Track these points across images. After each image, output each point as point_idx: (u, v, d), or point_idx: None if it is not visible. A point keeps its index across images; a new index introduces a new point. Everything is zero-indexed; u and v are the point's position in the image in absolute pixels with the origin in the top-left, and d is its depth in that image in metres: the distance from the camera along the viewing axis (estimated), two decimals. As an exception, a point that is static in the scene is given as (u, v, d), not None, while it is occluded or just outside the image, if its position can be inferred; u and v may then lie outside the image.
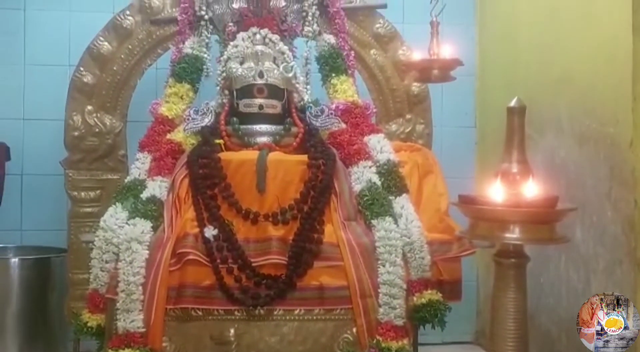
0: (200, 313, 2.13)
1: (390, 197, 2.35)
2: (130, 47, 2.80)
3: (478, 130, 3.44)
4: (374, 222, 2.25)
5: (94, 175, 2.81)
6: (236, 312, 2.13)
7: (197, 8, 2.73)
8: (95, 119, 2.79)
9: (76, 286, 2.70)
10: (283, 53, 2.60)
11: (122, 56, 2.80)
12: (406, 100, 2.89)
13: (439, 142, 3.00)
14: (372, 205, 2.30)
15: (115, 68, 2.80)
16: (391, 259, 2.16)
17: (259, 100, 2.50)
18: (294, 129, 2.52)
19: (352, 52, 2.80)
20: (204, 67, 2.74)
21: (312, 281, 2.16)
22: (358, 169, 2.42)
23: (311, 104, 2.61)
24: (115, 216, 2.27)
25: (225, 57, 2.61)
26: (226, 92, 2.59)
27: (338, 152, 2.46)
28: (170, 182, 2.37)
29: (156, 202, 2.30)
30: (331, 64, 2.73)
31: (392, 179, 2.40)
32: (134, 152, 2.61)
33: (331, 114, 2.58)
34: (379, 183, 2.37)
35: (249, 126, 2.49)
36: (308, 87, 2.72)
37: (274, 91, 2.52)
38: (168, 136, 2.54)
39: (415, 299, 2.19)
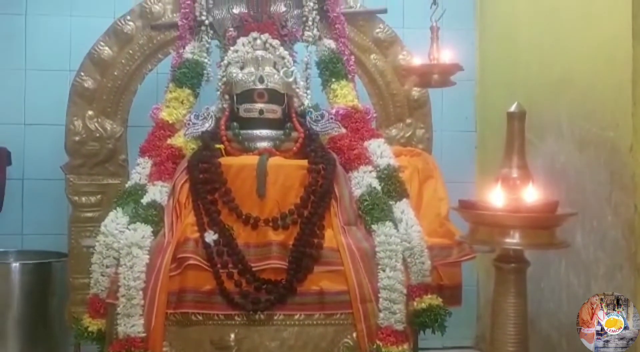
0: (200, 318, 2.13)
1: (391, 202, 2.35)
2: (131, 52, 2.81)
3: (478, 134, 3.45)
4: (374, 227, 2.25)
5: (95, 180, 2.82)
6: (236, 317, 2.13)
7: (197, 13, 2.74)
8: (96, 124, 2.80)
9: (77, 291, 2.70)
10: (283, 58, 2.61)
11: (123, 61, 2.80)
12: (406, 105, 2.90)
13: (439, 147, 3.01)
14: (372, 210, 2.30)
15: (116, 73, 2.80)
16: (391, 263, 2.16)
17: (259, 105, 2.50)
18: (294, 134, 2.53)
19: (352, 57, 2.80)
20: (205, 72, 2.74)
21: (313, 286, 2.16)
22: (358, 173, 2.43)
23: (311, 109, 2.61)
24: (115, 220, 2.27)
25: (225, 62, 2.62)
26: (226, 97, 2.59)
27: (338, 157, 2.46)
28: (171, 187, 2.37)
29: (157, 207, 2.30)
30: (331, 69, 2.74)
31: (392, 183, 2.40)
32: (134, 157, 2.61)
33: (331, 118, 2.58)
34: (379, 188, 2.38)
35: (249, 131, 2.50)
36: (308, 92, 2.72)
37: (274, 96, 2.52)
38: (168, 141, 2.54)
39: (415, 303, 2.19)
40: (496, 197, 1.80)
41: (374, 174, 2.43)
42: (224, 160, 2.37)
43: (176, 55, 2.76)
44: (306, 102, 2.65)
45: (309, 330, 2.14)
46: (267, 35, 2.64)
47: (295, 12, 2.80)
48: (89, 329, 2.22)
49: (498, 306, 1.84)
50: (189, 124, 2.55)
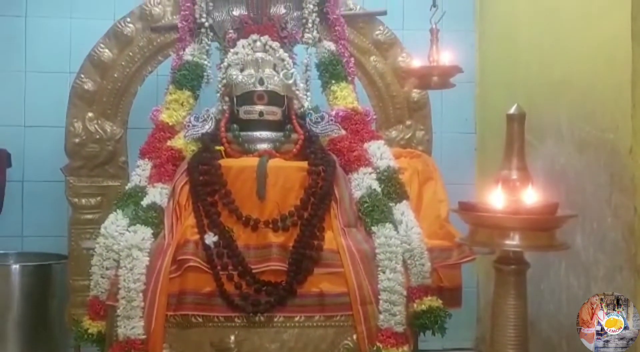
0: (200, 320, 2.13)
1: (391, 204, 2.35)
2: (130, 54, 2.81)
3: (478, 136, 3.45)
4: (374, 228, 2.26)
5: (95, 182, 2.82)
6: (236, 319, 2.13)
7: (197, 15, 2.74)
8: (96, 126, 2.80)
9: (77, 293, 2.70)
10: (283, 60, 2.61)
11: (123, 63, 2.81)
12: (406, 106, 2.90)
13: (438, 149, 3.01)
14: (372, 211, 2.30)
15: (115, 75, 2.80)
16: (391, 265, 2.17)
17: (259, 107, 2.50)
18: (294, 136, 2.53)
19: (352, 59, 2.81)
20: (205, 74, 2.75)
21: (313, 288, 2.16)
22: (358, 175, 2.43)
23: (311, 111, 2.61)
24: (115, 222, 2.27)
25: (225, 64, 2.62)
26: (226, 98, 2.60)
27: (338, 159, 2.46)
28: (171, 189, 2.37)
29: (157, 209, 2.30)
30: (331, 71, 2.74)
31: (392, 185, 2.41)
32: (134, 159, 2.62)
33: (331, 120, 2.58)
34: (379, 190, 2.38)
35: (249, 133, 2.50)
36: (308, 93, 2.72)
37: (274, 98, 2.53)
38: (168, 143, 2.54)
39: (415, 305, 2.19)
40: (496, 199, 1.80)
41: (373, 175, 2.43)
42: (224, 162, 2.37)
43: (176, 58, 2.76)
44: (306, 104, 2.65)
45: (309, 332, 2.14)
46: (267, 37, 2.64)
47: (295, 14, 2.80)
48: (89, 331, 2.22)
49: (498, 308, 1.84)
50: (188, 125, 2.55)
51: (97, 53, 2.80)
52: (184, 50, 2.74)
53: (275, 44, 2.63)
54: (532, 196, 1.81)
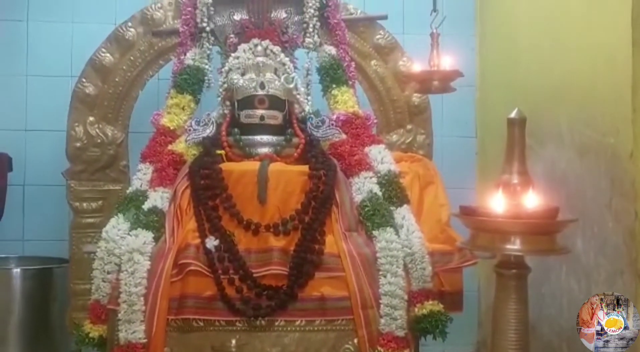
0: (201, 324, 2.13)
1: (391, 208, 2.36)
2: (132, 58, 2.82)
3: (478, 140, 3.45)
4: (375, 232, 2.26)
5: (96, 186, 2.82)
6: (237, 323, 2.14)
7: (198, 20, 2.75)
8: (97, 130, 2.80)
9: (78, 297, 2.70)
10: (284, 64, 2.61)
11: (124, 67, 2.81)
12: (407, 110, 2.90)
13: (439, 153, 3.01)
14: (373, 216, 2.30)
15: (117, 79, 2.81)
16: (392, 269, 2.17)
17: (260, 111, 2.51)
18: (295, 140, 2.53)
19: (353, 63, 2.81)
20: (206, 78, 2.75)
21: (313, 292, 2.17)
22: (359, 179, 2.43)
23: (312, 115, 2.62)
24: (117, 226, 2.28)
25: (226, 68, 2.63)
26: (227, 103, 2.60)
27: (339, 163, 2.46)
28: (172, 193, 2.37)
29: (158, 213, 2.31)
30: (332, 75, 2.75)
31: (393, 189, 2.41)
32: (135, 163, 2.62)
33: (332, 124, 2.59)
34: (379, 194, 2.38)
35: (250, 137, 2.50)
36: (309, 98, 2.73)
37: (275, 102, 2.53)
38: (170, 147, 2.54)
39: (416, 309, 2.19)
40: (497, 203, 1.80)
41: (374, 179, 2.43)
42: (225, 166, 2.38)
43: (177, 62, 2.76)
44: (307, 108, 2.66)
45: (310, 336, 2.14)
46: (268, 41, 2.64)
47: (296, 18, 2.81)
48: (90, 335, 2.23)
49: (499, 312, 1.84)
50: (190, 130, 2.56)
51: (98, 57, 2.80)
52: (185, 54, 2.75)
53: (276, 49, 2.64)
54: (532, 200, 1.81)
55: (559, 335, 2.53)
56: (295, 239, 2.22)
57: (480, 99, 3.43)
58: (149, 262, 2.16)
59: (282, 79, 2.56)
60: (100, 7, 3.23)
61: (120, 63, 2.81)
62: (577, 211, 2.27)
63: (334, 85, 2.73)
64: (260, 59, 2.59)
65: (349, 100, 2.71)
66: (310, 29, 2.78)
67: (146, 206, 2.33)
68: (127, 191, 2.49)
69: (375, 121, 2.76)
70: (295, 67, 2.71)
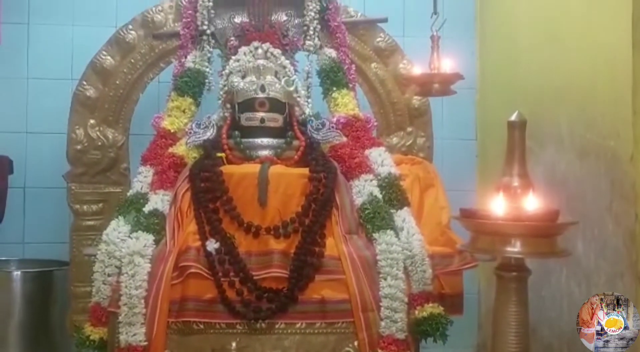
0: (202, 326, 2.13)
1: (392, 211, 2.36)
2: (132, 61, 2.82)
3: (479, 143, 3.45)
4: (375, 235, 2.26)
5: (97, 188, 2.82)
6: (238, 326, 2.14)
7: (199, 23, 2.75)
8: (98, 133, 2.81)
9: (78, 299, 2.70)
10: (284, 67, 2.61)
11: (125, 70, 2.82)
12: (407, 113, 2.91)
13: (439, 155, 3.01)
14: (374, 218, 2.30)
15: (117, 82, 2.81)
16: (393, 272, 2.17)
17: (261, 114, 2.51)
18: (295, 143, 2.53)
19: (353, 66, 2.81)
20: (206, 81, 2.75)
21: (314, 295, 2.16)
22: (359, 182, 2.43)
23: (312, 118, 2.62)
24: (117, 229, 2.28)
25: (227, 71, 2.63)
26: (228, 105, 2.60)
27: (339, 166, 2.46)
28: (173, 196, 2.38)
29: (158, 215, 2.31)
30: (332, 78, 2.75)
31: (394, 192, 2.41)
32: (136, 165, 2.62)
33: (332, 127, 2.59)
34: (380, 196, 2.38)
35: (251, 139, 2.50)
36: (309, 100, 2.73)
37: (275, 105, 2.53)
38: (170, 150, 2.54)
39: (416, 312, 2.19)
40: (497, 206, 1.80)
41: (375, 182, 2.43)
42: (226, 168, 2.38)
43: (178, 65, 2.76)
44: (307, 110, 2.66)
45: (311, 339, 2.14)
46: (268, 44, 2.64)
47: (296, 21, 2.81)
48: (91, 337, 2.23)
49: (499, 315, 1.84)
50: (190, 132, 2.56)
51: (99, 60, 2.81)
52: (185, 57, 2.75)
53: (277, 51, 2.64)
54: (533, 203, 1.81)
55: (560, 338, 2.53)
56: (296, 242, 2.22)
57: (481, 101, 3.43)
58: (149, 265, 2.16)
59: (282, 82, 2.56)
60: (101, 9, 3.23)
61: (120, 66, 2.82)
62: (577, 213, 2.27)
63: (334, 88, 2.74)
64: (260, 61, 2.59)
65: (349, 103, 2.71)
66: (311, 32, 2.78)
67: (147, 208, 2.34)
68: (128, 194, 2.49)
69: (375, 124, 2.76)
70: (295, 70, 2.71)
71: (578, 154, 2.41)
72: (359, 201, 2.38)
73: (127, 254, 2.17)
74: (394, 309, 2.13)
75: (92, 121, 2.80)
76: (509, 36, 3.10)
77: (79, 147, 2.79)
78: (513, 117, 1.88)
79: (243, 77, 2.57)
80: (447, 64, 2.49)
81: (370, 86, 2.90)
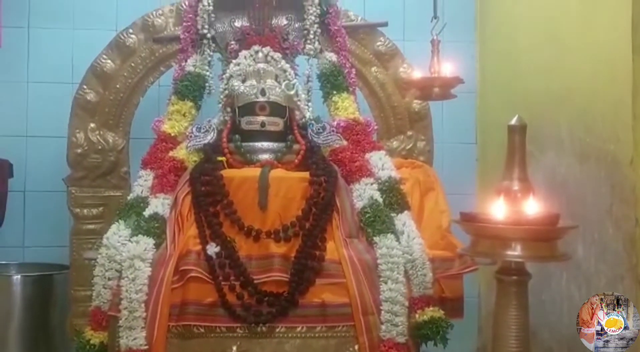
0: (202, 330, 2.13)
1: (392, 214, 2.36)
2: (133, 65, 2.83)
3: (479, 146, 3.45)
4: (375, 239, 2.26)
5: (97, 192, 2.82)
6: (238, 330, 2.13)
7: (199, 26, 2.75)
8: (98, 137, 2.81)
9: (78, 303, 2.70)
10: (285, 71, 2.62)
11: (125, 74, 2.82)
12: (407, 117, 2.91)
13: (439, 159, 3.01)
14: (374, 222, 2.30)
15: (118, 86, 2.82)
16: (393, 276, 2.17)
17: (261, 118, 2.51)
18: (295, 146, 2.53)
19: (353, 70, 2.82)
20: (207, 84, 2.76)
21: (314, 298, 2.16)
22: (359, 186, 2.43)
23: (313, 121, 2.62)
24: (118, 233, 2.28)
25: (227, 74, 2.63)
26: (228, 109, 2.60)
27: (340, 169, 2.47)
28: (173, 200, 2.38)
29: (159, 219, 2.30)
30: (332, 82, 2.75)
31: (394, 196, 2.41)
32: (136, 169, 2.62)
33: (332, 131, 2.59)
34: (380, 200, 2.38)
35: (251, 143, 2.51)
36: (309, 104, 2.73)
37: (275, 108, 2.53)
38: (170, 153, 2.54)
39: (417, 316, 2.19)
40: (497, 210, 1.80)
41: (375, 186, 2.43)
42: (226, 172, 2.38)
43: (178, 68, 2.76)
44: (307, 114, 2.66)
45: (311, 342, 2.14)
46: (268, 48, 2.64)
47: (297, 25, 2.81)
48: (91, 341, 2.22)
49: (500, 318, 1.84)
50: (191, 136, 2.56)
51: (99, 64, 2.81)
52: (186, 61, 2.75)
53: (277, 55, 2.64)
54: (533, 207, 1.81)
55: (560, 341, 2.53)
56: (296, 246, 2.22)
57: (481, 105, 3.43)
58: (149, 269, 2.16)
59: (282, 86, 2.56)
60: (101, 13, 3.23)
61: (121, 69, 2.82)
62: (577, 217, 2.27)
63: (334, 92, 2.74)
64: (261, 65, 2.59)
65: (349, 107, 2.72)
66: (311, 36, 2.79)
67: (147, 212, 2.33)
68: (128, 198, 2.48)
69: (375, 127, 2.77)
70: (296, 74, 2.71)
71: (578, 157, 2.42)
72: (359, 204, 2.38)
73: (127, 258, 2.17)
74: (394, 312, 2.13)
75: (92, 125, 2.81)
76: (509, 40, 3.10)
77: (79, 150, 2.80)
78: (513, 121, 1.88)
79: (243, 81, 2.57)
80: (447, 68, 2.49)
81: (370, 90, 2.90)
